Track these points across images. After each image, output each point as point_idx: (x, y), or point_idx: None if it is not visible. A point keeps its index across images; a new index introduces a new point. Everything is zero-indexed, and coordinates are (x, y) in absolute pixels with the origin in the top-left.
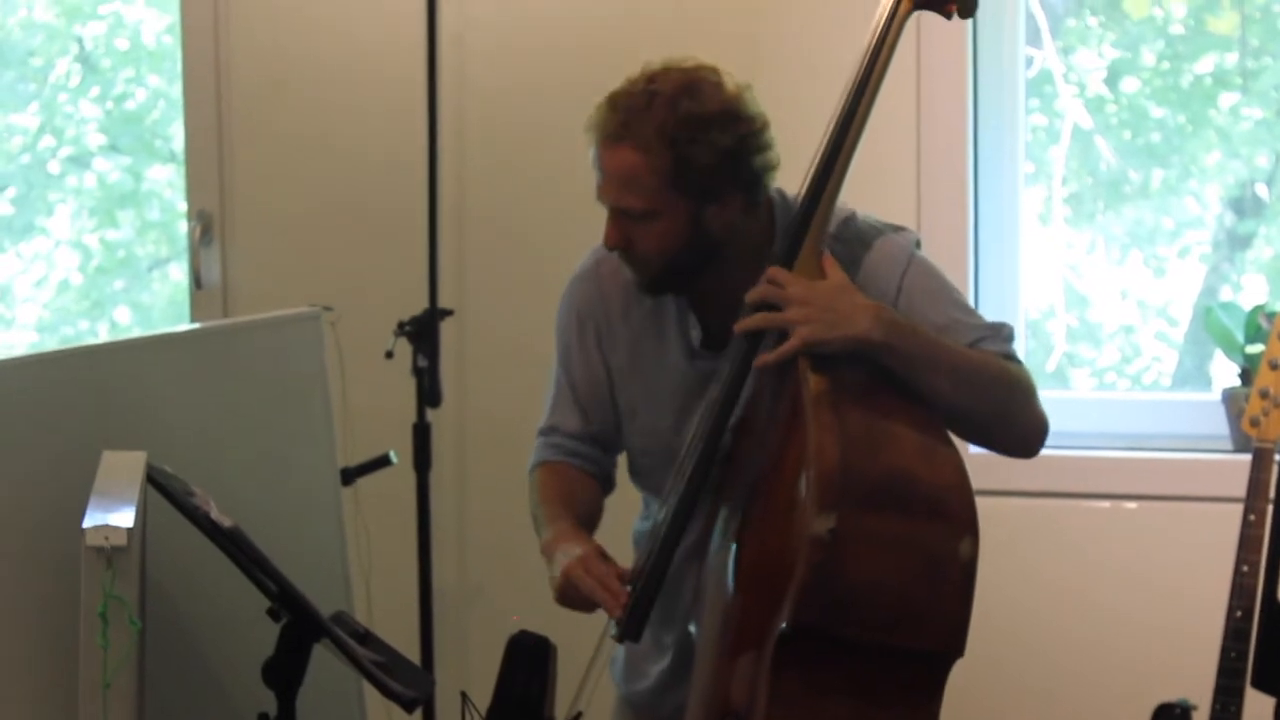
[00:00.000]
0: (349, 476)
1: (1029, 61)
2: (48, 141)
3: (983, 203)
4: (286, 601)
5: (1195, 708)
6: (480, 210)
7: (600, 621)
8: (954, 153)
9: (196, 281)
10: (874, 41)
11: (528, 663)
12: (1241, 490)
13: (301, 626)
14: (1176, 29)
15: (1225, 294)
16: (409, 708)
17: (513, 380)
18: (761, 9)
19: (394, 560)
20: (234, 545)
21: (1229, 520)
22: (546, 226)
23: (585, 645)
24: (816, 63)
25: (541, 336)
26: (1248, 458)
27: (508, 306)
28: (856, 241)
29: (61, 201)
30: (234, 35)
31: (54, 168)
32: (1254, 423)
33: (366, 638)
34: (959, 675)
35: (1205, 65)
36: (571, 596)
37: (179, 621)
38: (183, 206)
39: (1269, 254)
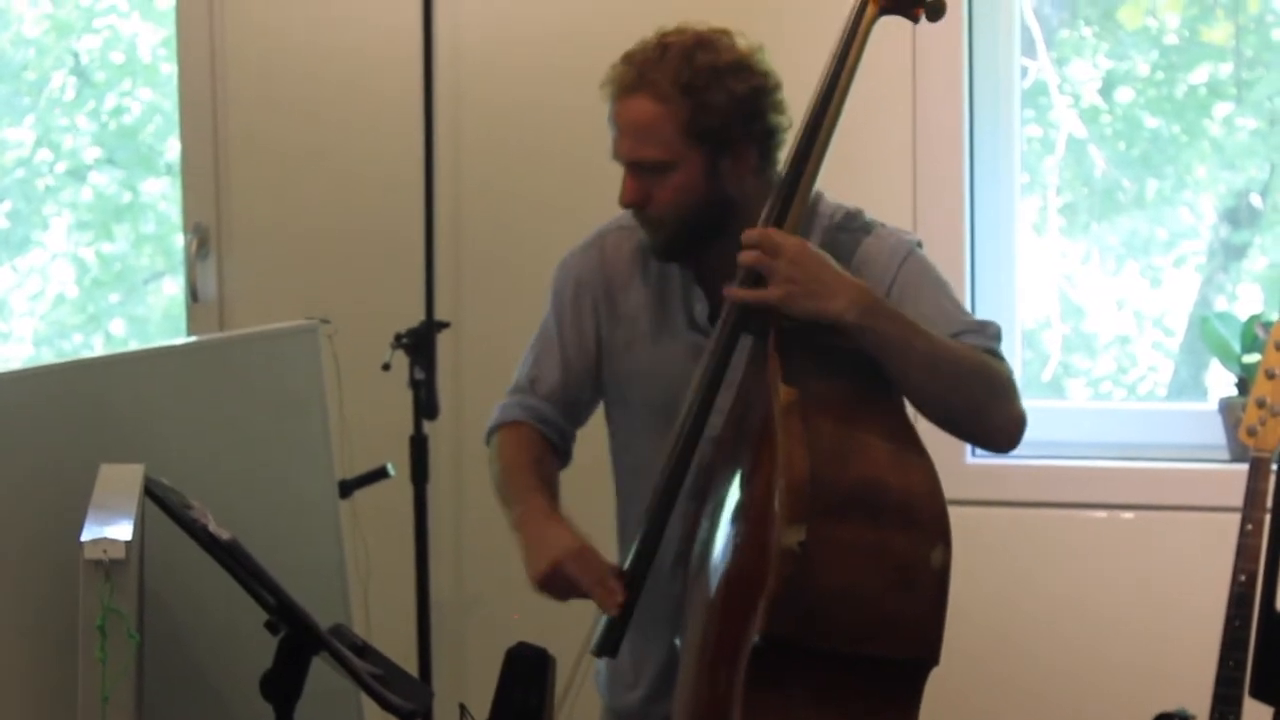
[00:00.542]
0: (347, 489)
1: (1024, 72)
2: (43, 155)
3: (978, 213)
4: (285, 614)
5: (1194, 718)
6: (476, 222)
7: (583, 630)
8: (950, 163)
9: (193, 295)
10: (840, 46)
11: (526, 675)
12: (1239, 500)
13: (300, 639)
14: (1171, 39)
15: (1220, 304)
16: None
17: None
18: (757, 18)
19: (392, 572)
20: (232, 558)
21: (1226, 530)
22: (543, 238)
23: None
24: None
25: None
26: (1245, 467)
27: (504, 318)
28: (860, 230)
29: (57, 215)
30: (229, 49)
31: (49, 181)
32: (1251, 432)
33: (365, 650)
34: (956, 685)
35: (1199, 75)
36: (557, 586)
37: (177, 634)
38: (178, 220)
39: (1264, 264)
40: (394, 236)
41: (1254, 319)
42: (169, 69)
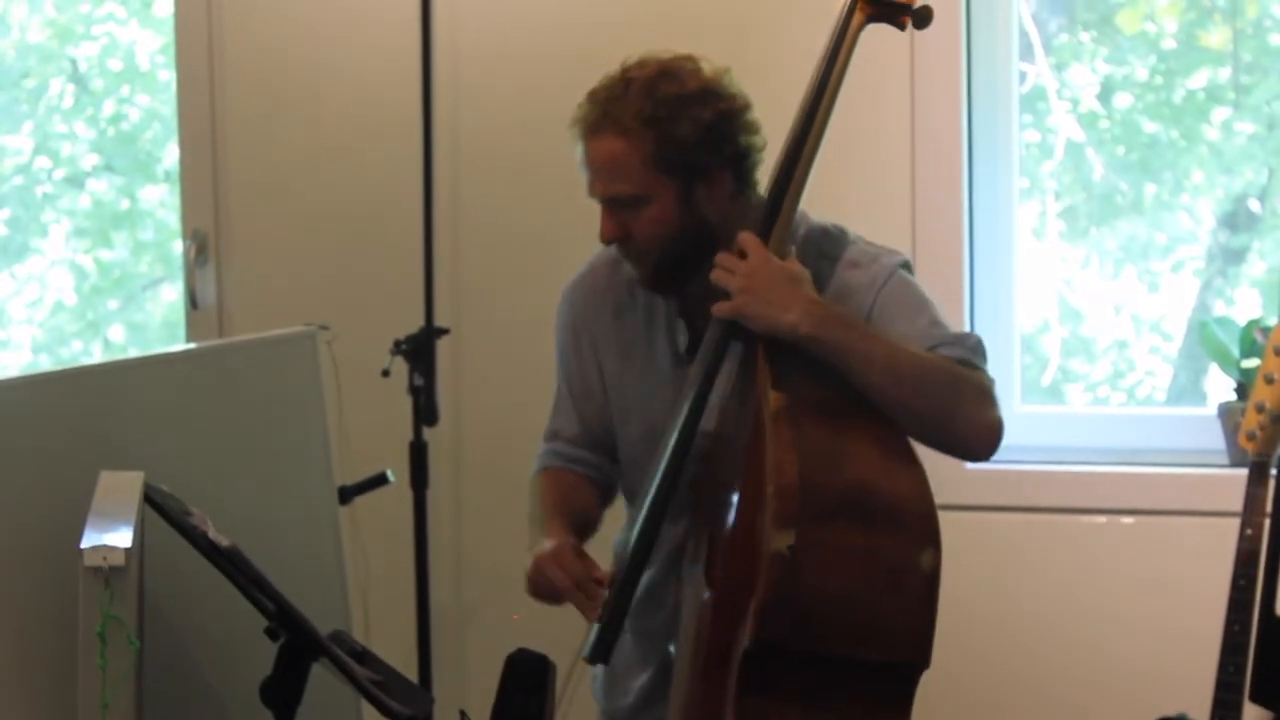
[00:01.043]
0: (346, 495)
1: (1022, 77)
2: (42, 162)
3: (977, 218)
4: (284, 620)
5: None
6: (476, 228)
7: (576, 637)
8: (948, 168)
9: (192, 301)
10: (827, 54)
11: (526, 681)
12: (1238, 505)
13: (299, 645)
14: (1169, 44)
15: (1219, 309)
16: None
17: (509, 398)
18: (756, 15)
19: (392, 578)
20: (232, 565)
21: (1226, 535)
22: (542, 244)
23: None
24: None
25: (538, 354)
26: (1244, 472)
27: (504, 324)
28: (839, 255)
29: (55, 222)
30: (227, 55)
31: (48, 189)
32: (1250, 437)
33: (365, 656)
34: (957, 690)
35: (1198, 80)
36: (542, 588)
37: (177, 641)
38: (177, 226)
39: (1262, 269)
40: (393, 243)
41: (1253, 324)
42: (167, 76)
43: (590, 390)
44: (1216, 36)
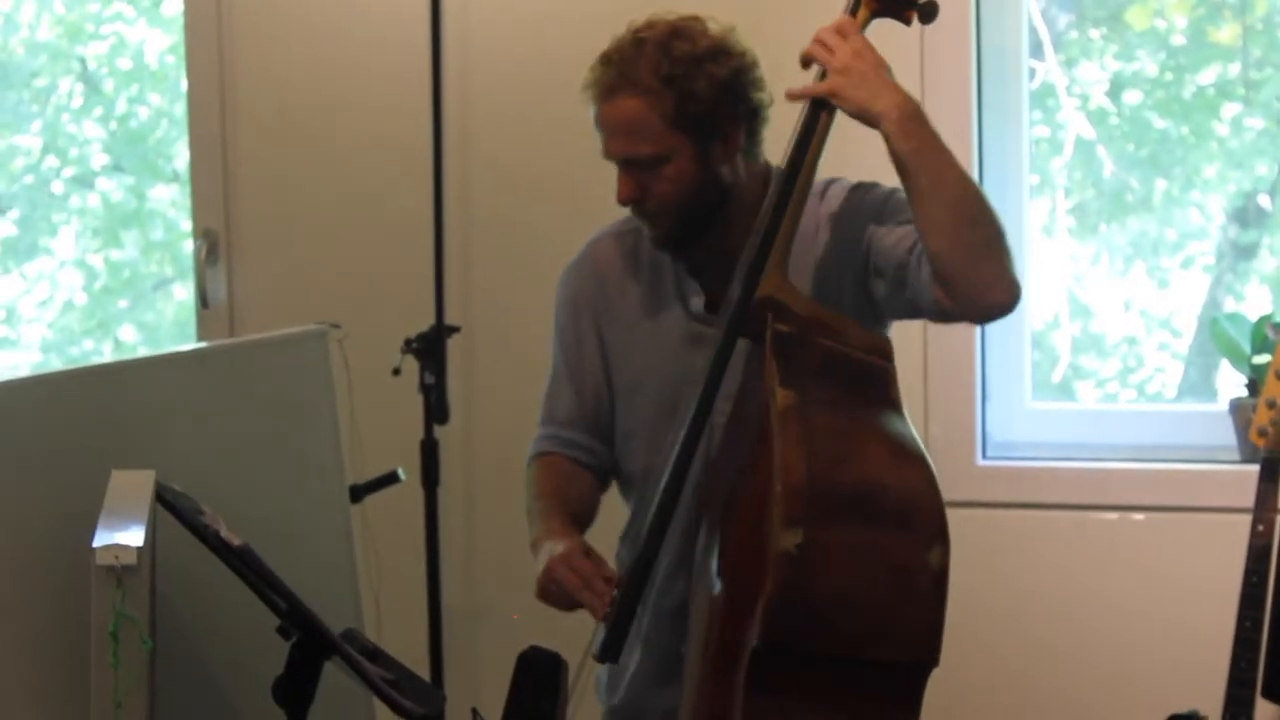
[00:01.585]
0: (358, 494)
1: (1032, 74)
2: (51, 162)
3: None
4: (296, 619)
5: (1206, 718)
6: (486, 226)
7: (587, 633)
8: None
9: (203, 300)
10: None
11: (538, 679)
12: (1249, 500)
13: (312, 644)
14: (1178, 40)
15: (1229, 305)
16: None
17: (520, 396)
18: (766, 10)
19: (403, 576)
20: (244, 563)
21: (1237, 531)
22: (553, 242)
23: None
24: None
25: (548, 352)
26: (1255, 468)
27: (514, 322)
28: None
29: (65, 222)
30: (237, 55)
31: (57, 188)
32: (1262, 433)
33: (377, 655)
34: (968, 687)
35: (1207, 76)
36: (552, 593)
37: (190, 640)
38: (186, 226)
39: (1273, 265)
40: (403, 241)
41: (1264, 320)
42: (176, 75)
43: (589, 369)
44: (1226, 32)
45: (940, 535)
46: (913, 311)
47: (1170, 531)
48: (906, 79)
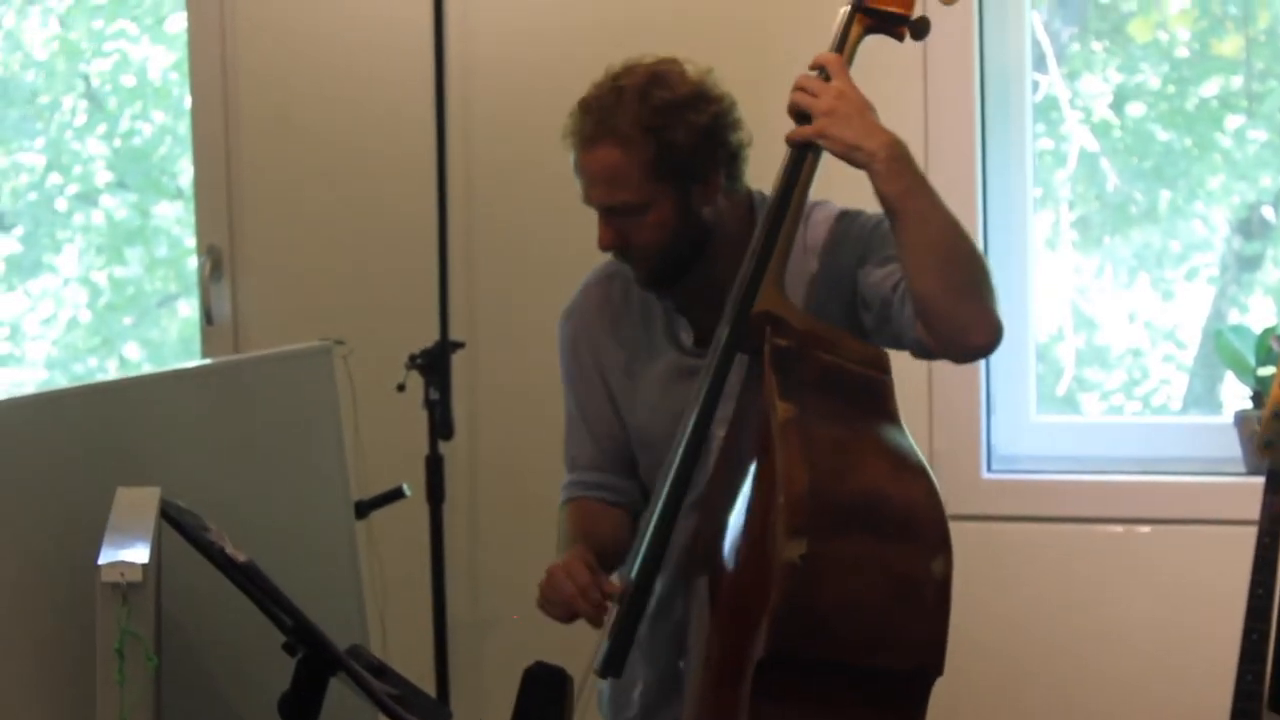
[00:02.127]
0: (363, 509)
1: (1035, 87)
2: (55, 179)
3: (991, 227)
4: (302, 635)
5: None
6: (490, 242)
7: (590, 649)
8: (962, 178)
9: (207, 317)
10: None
11: (543, 694)
12: (1255, 513)
13: (317, 660)
14: (1181, 53)
15: (1233, 317)
16: None
17: (525, 411)
18: (767, 19)
19: (409, 592)
20: (249, 580)
21: (1243, 543)
22: (557, 257)
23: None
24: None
25: (553, 368)
26: (1260, 480)
27: (519, 338)
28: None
29: (69, 239)
30: (240, 71)
31: (61, 205)
32: (1267, 445)
33: (382, 671)
34: (973, 699)
35: (1210, 88)
36: (550, 600)
37: (195, 657)
38: (190, 242)
39: (1277, 276)
40: (408, 257)
41: (1268, 332)
42: (180, 92)
43: (601, 410)
44: (1229, 45)
45: (943, 545)
46: (896, 345)
47: (1175, 544)
48: (909, 93)
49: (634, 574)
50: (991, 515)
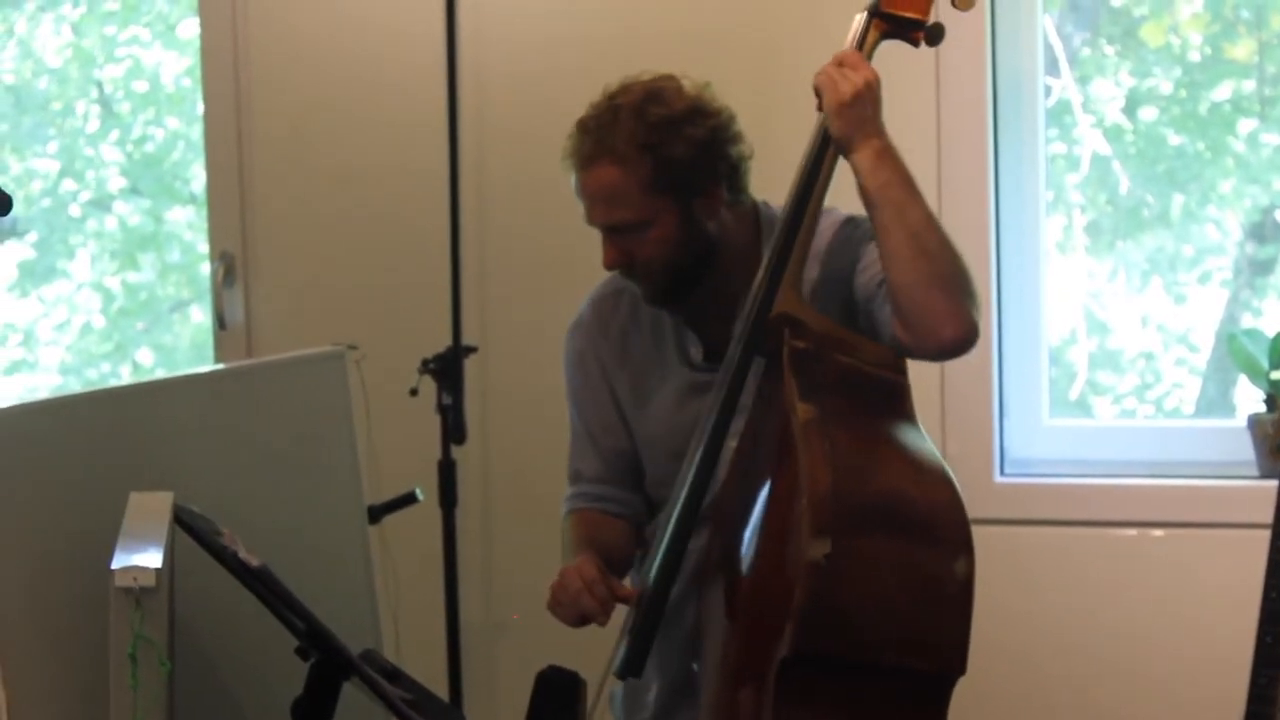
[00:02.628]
0: (375, 514)
1: (1047, 91)
2: (69, 185)
3: (1003, 231)
4: (315, 640)
5: None
6: (503, 246)
7: (606, 652)
8: (974, 182)
9: (220, 322)
10: None
11: (557, 698)
12: (1268, 516)
13: (330, 664)
14: (1193, 56)
15: (1246, 320)
16: None
17: (537, 416)
18: (783, 18)
19: (422, 597)
20: (262, 584)
21: (1257, 546)
22: (570, 262)
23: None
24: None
25: (565, 376)
26: (1274, 483)
27: (531, 343)
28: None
29: (82, 245)
30: (253, 77)
31: (75, 211)
32: None
33: (396, 675)
34: (986, 703)
35: (1223, 92)
36: (560, 600)
37: (208, 661)
38: (203, 248)
39: None
40: (420, 262)
41: None
42: (193, 98)
43: (608, 424)
44: (1241, 49)
45: (965, 545)
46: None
47: (1189, 547)
48: (922, 97)
49: (652, 575)
50: (1004, 519)
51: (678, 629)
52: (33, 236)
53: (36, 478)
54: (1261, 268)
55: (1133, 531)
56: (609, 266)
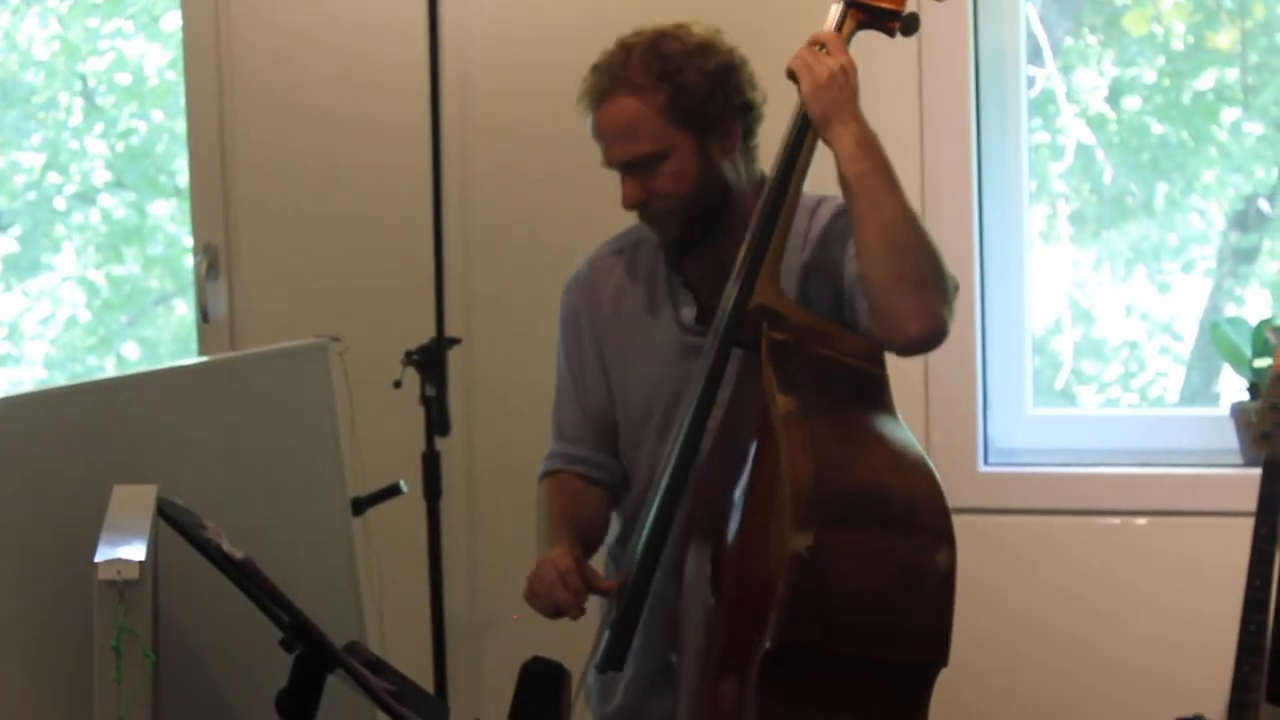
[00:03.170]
0: (359, 506)
1: (1030, 81)
2: (53, 178)
3: (987, 221)
4: (299, 632)
5: None
6: (486, 238)
7: (589, 644)
8: (958, 172)
9: (203, 315)
10: None
11: (541, 689)
12: (1252, 504)
13: (315, 657)
14: (1177, 45)
15: (1230, 309)
16: None
17: (521, 407)
18: (763, 9)
19: (406, 589)
20: (246, 577)
21: (1240, 535)
22: (553, 252)
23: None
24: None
25: (549, 362)
26: (1257, 472)
27: (515, 334)
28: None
29: (67, 238)
30: (236, 69)
31: (59, 204)
32: (1263, 436)
33: (380, 667)
34: (970, 692)
35: (1206, 81)
36: (536, 591)
37: (192, 654)
38: (187, 241)
39: (1273, 268)
40: (403, 254)
41: (1264, 323)
42: (178, 90)
43: (593, 383)
44: (1224, 37)
45: (947, 536)
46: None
47: (1173, 536)
48: (904, 87)
49: (633, 568)
50: (988, 508)
51: (656, 621)
52: (17, 230)
53: (19, 471)
54: (1245, 256)
55: (1117, 520)
56: (628, 205)
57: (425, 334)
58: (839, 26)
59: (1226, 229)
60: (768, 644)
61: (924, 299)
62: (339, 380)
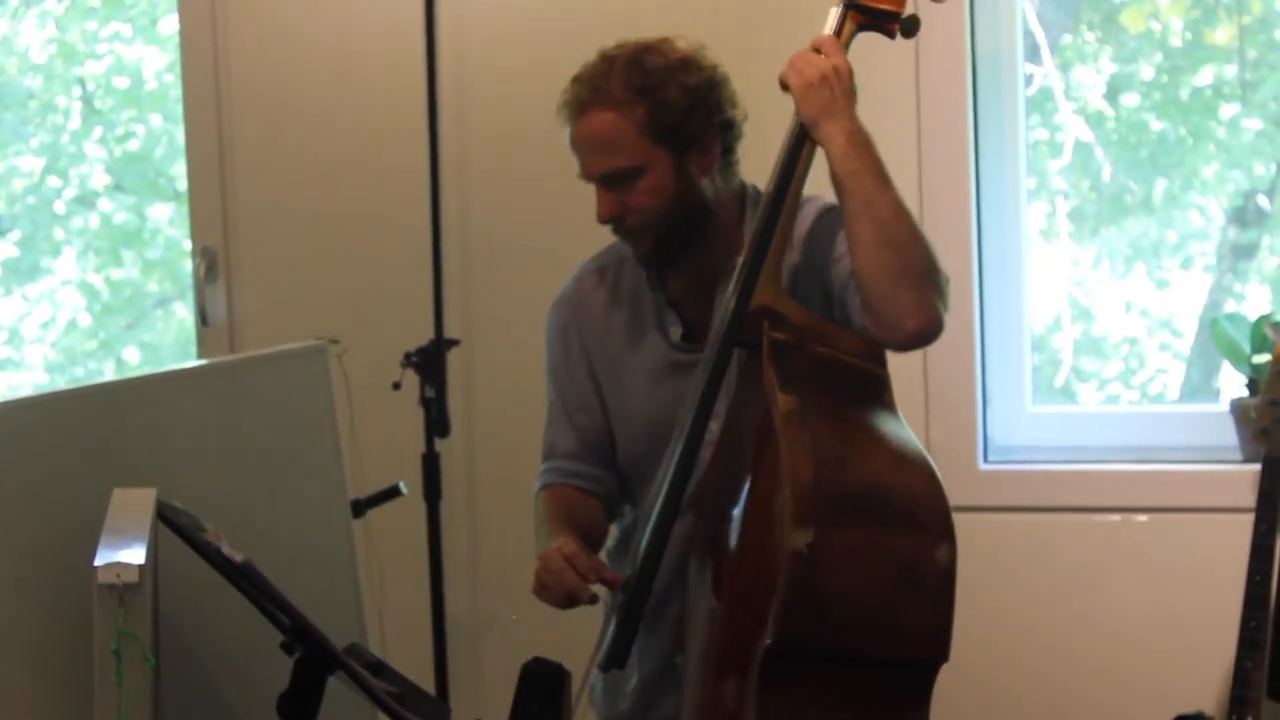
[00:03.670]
0: (359, 508)
1: (1028, 78)
2: (53, 182)
3: (985, 219)
4: (300, 635)
5: (1212, 719)
6: (484, 240)
7: (591, 643)
8: (956, 170)
9: (202, 318)
10: None
11: (541, 690)
12: (1252, 500)
13: (315, 659)
14: (1174, 42)
15: (1229, 305)
16: None
17: (521, 408)
18: (761, 12)
19: (407, 590)
20: (246, 580)
21: (1240, 531)
22: (551, 254)
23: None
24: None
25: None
26: (1257, 468)
27: (514, 335)
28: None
29: (67, 242)
30: (234, 73)
31: (59, 208)
32: (1263, 432)
33: (381, 669)
34: (971, 689)
35: (1204, 78)
36: (546, 582)
37: (193, 657)
38: (186, 244)
39: (1273, 264)
40: (402, 256)
41: (1263, 319)
42: (176, 94)
43: (585, 400)
44: (1222, 33)
45: (947, 533)
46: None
47: (1173, 532)
48: (901, 85)
49: (636, 565)
50: (988, 506)
51: (661, 620)
52: (16, 234)
53: (19, 474)
54: (1244, 252)
55: (1117, 517)
56: (603, 219)
57: (424, 335)
58: (838, 29)
59: (1225, 225)
60: (768, 641)
61: (920, 294)
62: (338, 382)
